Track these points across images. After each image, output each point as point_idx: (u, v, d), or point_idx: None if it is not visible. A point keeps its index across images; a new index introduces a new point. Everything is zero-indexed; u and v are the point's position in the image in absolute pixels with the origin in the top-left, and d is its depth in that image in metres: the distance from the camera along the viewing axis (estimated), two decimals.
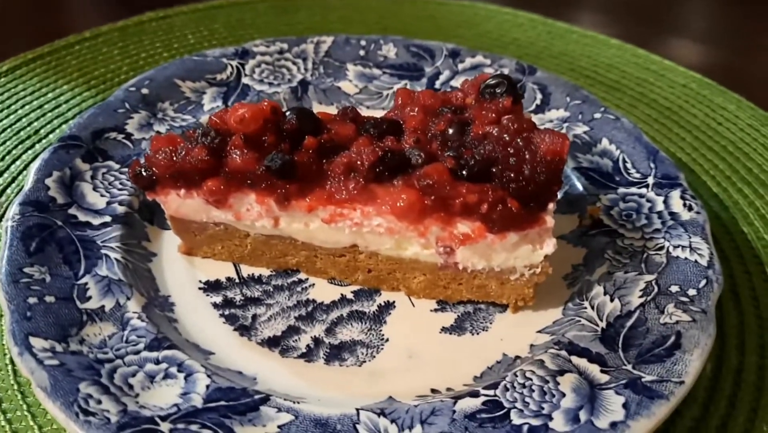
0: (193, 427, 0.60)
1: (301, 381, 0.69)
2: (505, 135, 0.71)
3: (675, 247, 0.78)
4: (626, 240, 0.81)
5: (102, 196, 0.83)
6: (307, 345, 0.74)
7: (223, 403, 0.63)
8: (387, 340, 0.74)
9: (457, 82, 1.06)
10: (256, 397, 0.64)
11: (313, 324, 0.76)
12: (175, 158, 0.73)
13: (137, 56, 1.20)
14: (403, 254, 0.75)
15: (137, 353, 0.67)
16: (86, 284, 0.72)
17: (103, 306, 0.71)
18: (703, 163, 1.02)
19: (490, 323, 0.77)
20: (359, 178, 0.72)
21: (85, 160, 0.87)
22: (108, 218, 0.81)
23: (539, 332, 0.75)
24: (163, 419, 0.60)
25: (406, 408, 0.64)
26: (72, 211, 0.80)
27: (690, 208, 0.82)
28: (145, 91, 0.98)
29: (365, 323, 0.76)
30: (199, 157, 0.72)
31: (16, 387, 0.68)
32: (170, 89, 1.00)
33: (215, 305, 0.77)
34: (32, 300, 0.68)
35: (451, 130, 0.74)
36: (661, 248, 0.79)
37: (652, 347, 0.67)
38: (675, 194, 0.85)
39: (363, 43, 1.12)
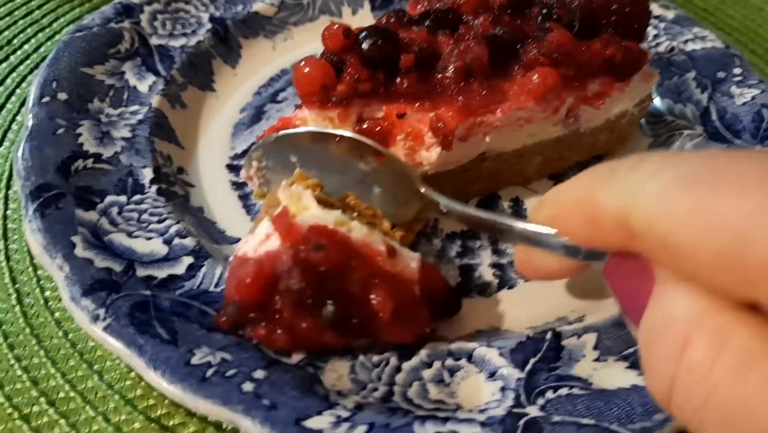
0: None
1: (543, 305, 0.63)
2: None
3: (684, 43, 0.86)
4: None
5: (149, 239, 0.61)
6: (494, 273, 0.67)
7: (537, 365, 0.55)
8: None
9: None
10: (548, 336, 0.57)
11: (477, 254, 0.68)
12: None
13: None
14: (529, 141, 0.70)
15: (401, 370, 0.54)
16: None
17: None
18: None
19: None
20: (480, 78, 0.64)
21: (83, 207, 0.61)
22: (189, 259, 0.60)
23: None
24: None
25: None
26: (141, 272, 0.57)
27: (667, 8, 0.90)
28: (62, 96, 0.70)
29: None
30: None
31: None
32: (85, 83, 0.73)
33: None
34: (246, 387, 0.49)
35: None
36: (672, 49, 0.86)
37: (757, 124, 0.75)
38: None
39: None
